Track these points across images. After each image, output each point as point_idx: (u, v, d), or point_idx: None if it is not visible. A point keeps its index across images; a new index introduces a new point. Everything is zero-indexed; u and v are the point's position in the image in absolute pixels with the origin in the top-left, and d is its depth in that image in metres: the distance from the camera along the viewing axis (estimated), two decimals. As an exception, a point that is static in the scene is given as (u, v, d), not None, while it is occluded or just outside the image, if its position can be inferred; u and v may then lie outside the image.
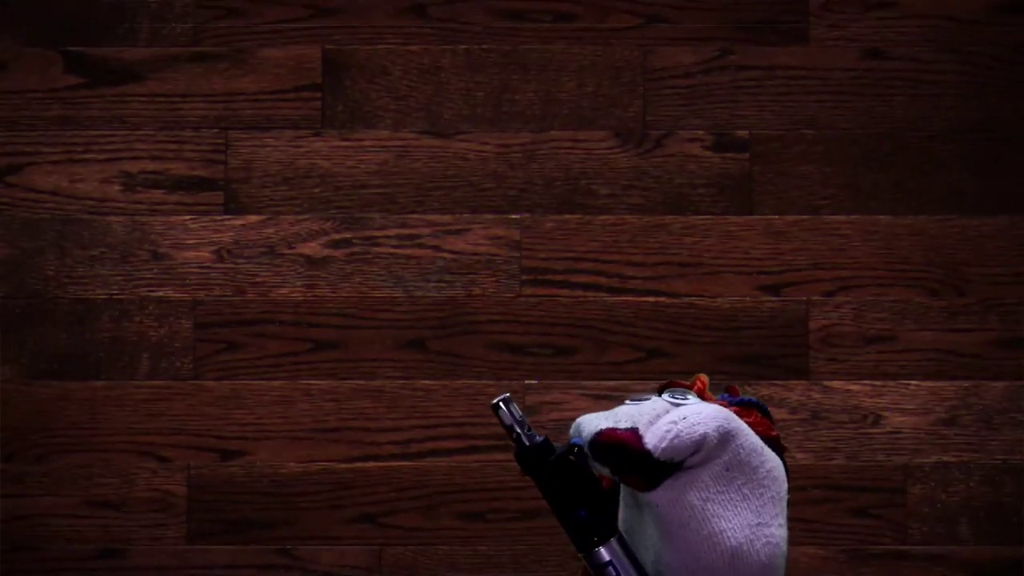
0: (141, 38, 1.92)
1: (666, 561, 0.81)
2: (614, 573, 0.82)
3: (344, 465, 1.88)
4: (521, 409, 0.84)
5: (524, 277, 1.89)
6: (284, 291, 1.89)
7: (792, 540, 1.93)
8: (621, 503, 0.87)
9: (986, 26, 1.91)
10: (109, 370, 1.88)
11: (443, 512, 1.88)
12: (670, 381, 0.88)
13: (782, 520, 0.83)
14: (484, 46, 1.92)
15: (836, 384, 1.88)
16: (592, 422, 0.83)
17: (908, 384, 1.88)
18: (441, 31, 1.92)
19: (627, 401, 0.85)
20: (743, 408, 0.87)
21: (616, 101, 1.91)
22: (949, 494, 1.87)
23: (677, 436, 0.80)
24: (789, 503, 0.87)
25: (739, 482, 0.81)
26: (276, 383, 1.89)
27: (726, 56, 1.91)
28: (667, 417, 0.81)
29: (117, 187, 1.90)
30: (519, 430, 0.84)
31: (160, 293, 1.89)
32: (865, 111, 1.91)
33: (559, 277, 1.89)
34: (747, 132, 1.90)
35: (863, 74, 1.91)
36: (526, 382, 1.88)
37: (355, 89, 1.91)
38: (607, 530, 0.83)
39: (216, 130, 1.91)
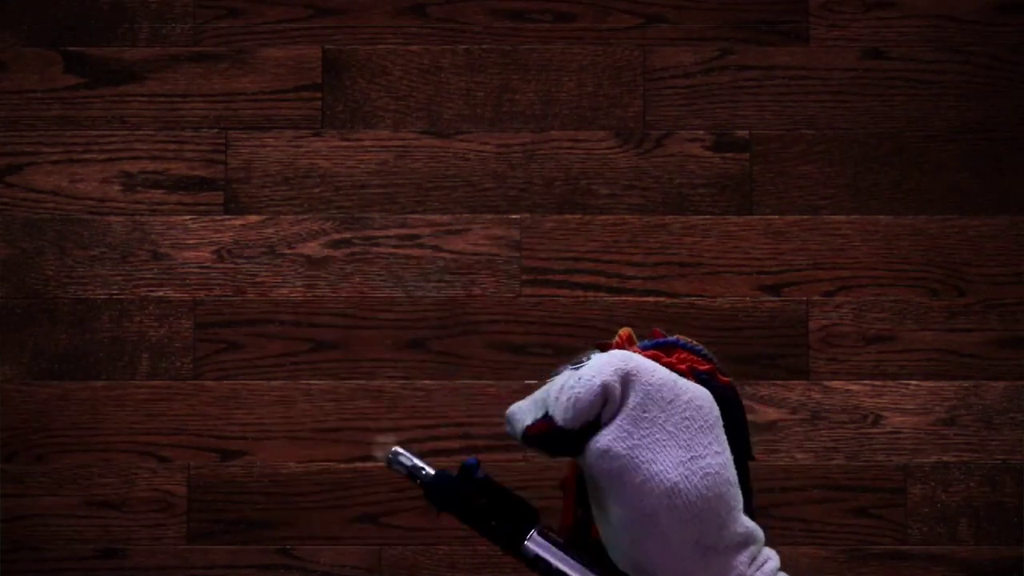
0: (141, 38, 1.92)
1: (615, 522, 0.81)
2: (543, 566, 0.84)
3: (344, 465, 1.88)
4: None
5: (524, 277, 1.89)
6: (284, 291, 1.89)
7: (792, 540, 1.94)
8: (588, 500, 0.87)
9: (986, 26, 1.91)
10: (109, 370, 1.88)
11: (443, 512, 1.87)
12: (597, 342, 0.89)
13: (718, 447, 0.82)
14: (484, 46, 1.92)
15: (836, 384, 1.88)
16: (518, 417, 0.84)
17: (908, 384, 1.88)
18: (441, 31, 1.92)
19: (558, 369, 0.86)
20: (662, 348, 0.87)
21: (616, 101, 1.91)
22: (949, 494, 1.87)
23: (577, 399, 0.81)
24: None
25: (660, 420, 0.81)
26: (276, 383, 1.89)
27: (726, 56, 1.91)
28: (566, 385, 0.81)
29: (117, 187, 1.90)
30: (418, 473, 0.87)
31: (160, 293, 1.89)
32: (865, 111, 1.91)
33: (559, 277, 1.89)
34: (747, 132, 1.90)
35: (863, 74, 1.91)
36: (526, 382, 1.88)
37: (355, 89, 1.91)
38: (524, 527, 0.85)
39: (216, 130, 1.91)
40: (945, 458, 1.87)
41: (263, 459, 1.88)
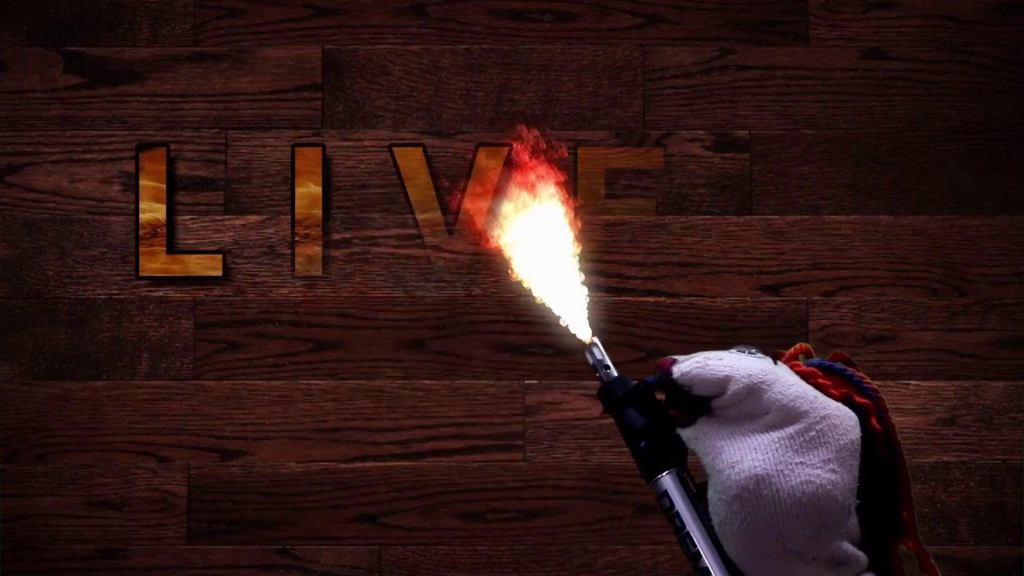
0: (141, 38, 1.92)
1: (710, 496, 0.82)
2: (668, 504, 0.84)
3: (344, 465, 1.88)
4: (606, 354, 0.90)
5: (524, 277, 1.89)
6: (284, 291, 1.89)
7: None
8: None
9: (986, 26, 1.91)
10: (109, 370, 1.88)
11: (443, 512, 1.88)
12: (777, 352, 0.90)
13: (836, 466, 0.81)
14: (484, 46, 1.92)
15: (836, 384, 1.88)
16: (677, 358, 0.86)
17: (908, 384, 1.88)
18: (441, 31, 1.92)
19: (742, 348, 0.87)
20: (825, 370, 0.88)
21: (616, 101, 1.91)
22: (949, 494, 1.87)
23: (702, 367, 0.82)
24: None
25: (786, 432, 0.81)
26: (276, 383, 1.89)
27: (726, 56, 1.91)
28: (712, 355, 0.83)
29: (117, 187, 1.90)
30: (601, 369, 0.89)
31: (160, 293, 1.89)
32: (865, 111, 1.91)
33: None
34: (747, 132, 1.90)
35: (863, 74, 1.91)
36: (526, 382, 1.88)
37: (355, 89, 1.91)
38: (667, 462, 0.85)
39: (216, 130, 1.91)
40: (945, 458, 1.87)
41: (263, 459, 1.88)
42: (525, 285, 0.93)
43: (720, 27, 1.92)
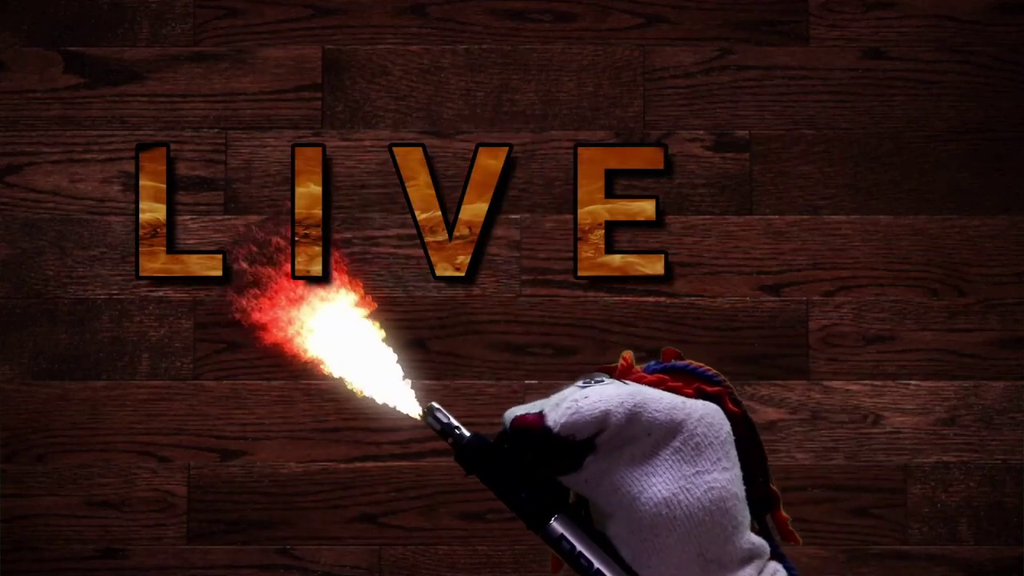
0: (141, 38, 1.92)
1: (612, 535, 0.81)
2: (568, 546, 0.83)
3: (344, 465, 1.88)
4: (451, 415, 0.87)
5: (524, 277, 1.89)
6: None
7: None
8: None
9: (986, 26, 1.91)
10: (109, 370, 1.88)
11: (443, 512, 1.88)
12: (601, 367, 0.90)
13: (726, 463, 0.82)
14: (484, 46, 1.92)
15: (836, 384, 1.88)
16: (513, 411, 0.84)
17: (908, 384, 1.88)
18: (441, 31, 1.92)
19: (551, 394, 0.86)
20: (670, 372, 0.88)
21: (616, 101, 1.91)
22: (949, 494, 1.87)
23: (577, 412, 0.81)
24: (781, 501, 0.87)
25: (667, 443, 0.82)
26: (276, 383, 1.89)
27: (726, 56, 1.91)
28: (571, 397, 0.82)
29: (117, 187, 1.90)
30: (452, 432, 0.86)
31: (160, 293, 1.89)
32: (865, 111, 1.91)
33: (559, 277, 1.89)
34: (747, 132, 1.90)
35: (863, 74, 1.91)
36: (526, 382, 1.88)
37: (355, 89, 1.91)
38: (552, 506, 0.84)
39: (216, 130, 1.91)
40: (945, 458, 1.88)
41: (263, 459, 1.88)
42: (347, 384, 0.92)
43: (720, 27, 1.92)
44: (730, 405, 0.87)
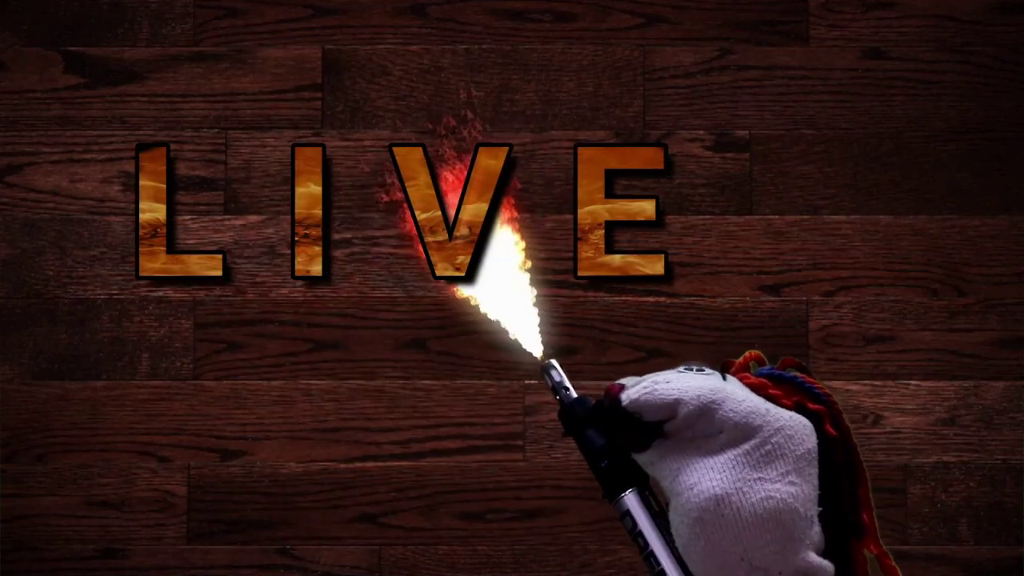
0: (141, 38, 1.92)
1: (672, 523, 0.82)
2: (631, 523, 0.84)
3: (344, 465, 1.88)
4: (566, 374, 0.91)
5: (524, 277, 1.89)
6: (284, 291, 1.89)
7: (792, 540, 1.93)
8: None
9: (986, 26, 1.91)
10: (109, 370, 1.88)
11: (443, 512, 1.88)
12: (727, 362, 0.90)
13: (795, 478, 0.82)
14: (484, 46, 1.92)
15: (836, 384, 1.88)
16: (620, 381, 0.86)
17: (908, 384, 1.88)
18: (441, 31, 1.92)
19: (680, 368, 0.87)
20: (775, 380, 0.88)
21: (616, 101, 1.91)
22: (949, 494, 1.87)
23: (651, 393, 0.82)
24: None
25: (741, 449, 0.81)
26: (276, 383, 1.89)
27: (726, 56, 1.91)
28: (658, 377, 0.82)
29: (117, 187, 1.90)
30: (561, 391, 0.89)
31: (160, 293, 1.89)
32: (865, 111, 1.91)
33: (559, 277, 1.89)
34: (747, 132, 1.90)
35: (863, 74, 1.91)
36: (526, 382, 1.88)
37: (355, 89, 1.91)
38: (628, 481, 0.85)
39: (216, 130, 1.91)
40: (945, 458, 1.87)
41: (263, 459, 1.88)
42: (483, 308, 0.93)
43: (720, 27, 1.92)
44: (829, 427, 0.85)
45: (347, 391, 1.88)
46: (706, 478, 0.81)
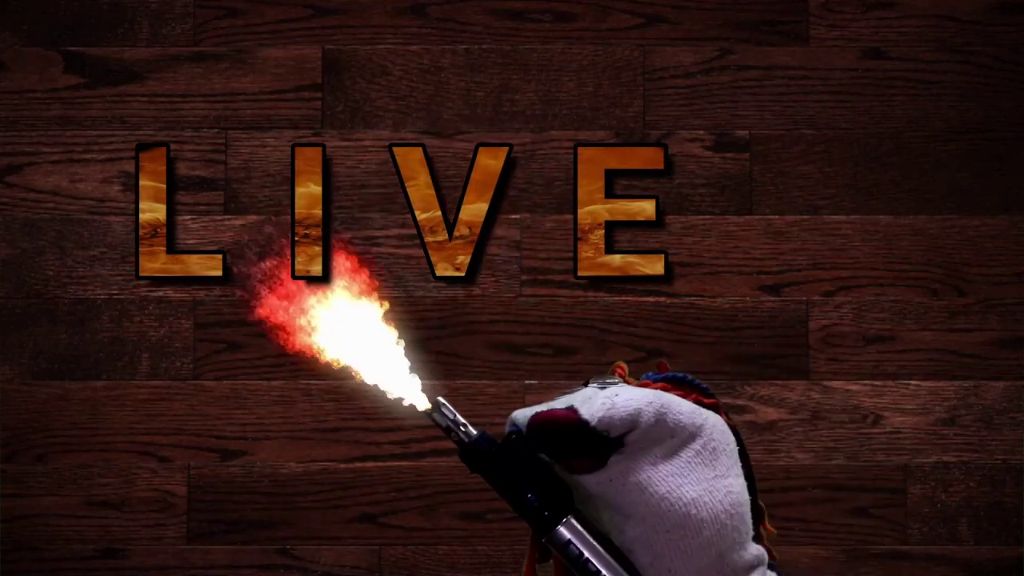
0: (141, 38, 1.92)
1: (631, 537, 0.81)
2: (576, 551, 0.82)
3: (344, 465, 1.88)
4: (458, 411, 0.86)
5: (524, 277, 1.89)
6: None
7: (792, 540, 1.94)
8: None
9: (986, 26, 1.91)
10: (109, 370, 1.88)
11: (443, 512, 1.88)
12: (617, 372, 0.90)
13: (737, 471, 0.84)
14: (484, 46, 1.92)
15: (836, 384, 1.88)
16: (525, 411, 0.84)
17: (908, 384, 1.88)
18: (441, 31, 1.92)
19: (557, 397, 0.86)
20: (671, 382, 0.89)
21: (616, 101, 1.91)
22: (949, 494, 1.87)
23: (613, 407, 0.82)
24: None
25: (688, 446, 0.82)
26: (276, 383, 1.89)
27: (726, 56, 1.91)
28: (601, 395, 0.82)
29: (117, 187, 1.90)
30: (457, 430, 0.85)
31: (160, 293, 1.89)
32: (865, 111, 1.91)
33: (559, 277, 1.89)
34: (747, 132, 1.90)
35: (863, 74, 1.91)
36: (526, 382, 1.88)
37: (355, 89, 1.91)
38: (561, 509, 0.83)
39: (216, 130, 1.91)
40: (945, 458, 1.87)
41: (263, 459, 1.88)
42: (354, 375, 0.91)
43: (720, 27, 1.92)
44: (728, 417, 0.88)
45: (347, 391, 1.88)
46: (676, 485, 0.81)
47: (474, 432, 0.85)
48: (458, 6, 1.92)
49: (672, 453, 0.82)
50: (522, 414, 0.84)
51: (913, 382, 1.88)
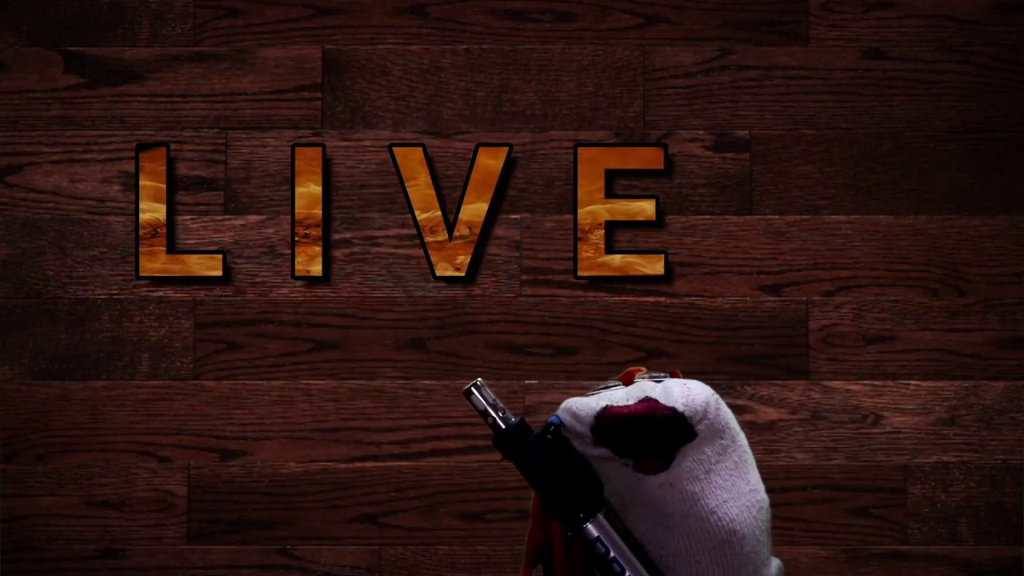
0: (141, 38, 1.92)
1: (672, 550, 0.81)
2: (603, 549, 0.82)
3: (344, 465, 1.88)
4: (496, 396, 0.84)
5: (524, 277, 1.89)
6: (284, 291, 1.89)
7: (792, 540, 1.94)
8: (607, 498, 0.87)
9: (986, 26, 1.91)
10: (109, 370, 1.88)
11: (443, 512, 1.88)
12: (626, 372, 0.89)
13: (759, 479, 0.85)
14: (484, 46, 1.92)
15: (836, 384, 1.88)
16: (585, 403, 0.82)
17: (908, 384, 1.88)
18: (441, 31, 1.92)
19: (590, 393, 0.85)
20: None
21: (616, 101, 1.91)
22: (949, 494, 1.87)
23: (691, 393, 0.81)
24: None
25: (732, 451, 0.82)
26: (276, 383, 1.89)
27: (726, 56, 1.91)
28: (669, 384, 0.82)
29: (117, 187, 1.90)
30: (494, 414, 0.84)
31: (160, 293, 1.89)
32: (865, 111, 1.91)
33: (559, 277, 1.89)
34: (747, 132, 1.90)
35: (863, 74, 1.91)
36: (526, 382, 1.88)
37: (355, 89, 1.91)
38: (593, 506, 0.82)
39: (216, 130, 1.91)
40: (945, 458, 1.87)
41: (263, 459, 1.88)
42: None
43: (720, 27, 1.92)
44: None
45: (347, 391, 1.88)
46: (723, 500, 0.81)
47: (513, 419, 0.83)
48: (458, 6, 1.92)
49: (718, 458, 0.81)
50: (580, 407, 0.82)
51: (913, 382, 1.88)
